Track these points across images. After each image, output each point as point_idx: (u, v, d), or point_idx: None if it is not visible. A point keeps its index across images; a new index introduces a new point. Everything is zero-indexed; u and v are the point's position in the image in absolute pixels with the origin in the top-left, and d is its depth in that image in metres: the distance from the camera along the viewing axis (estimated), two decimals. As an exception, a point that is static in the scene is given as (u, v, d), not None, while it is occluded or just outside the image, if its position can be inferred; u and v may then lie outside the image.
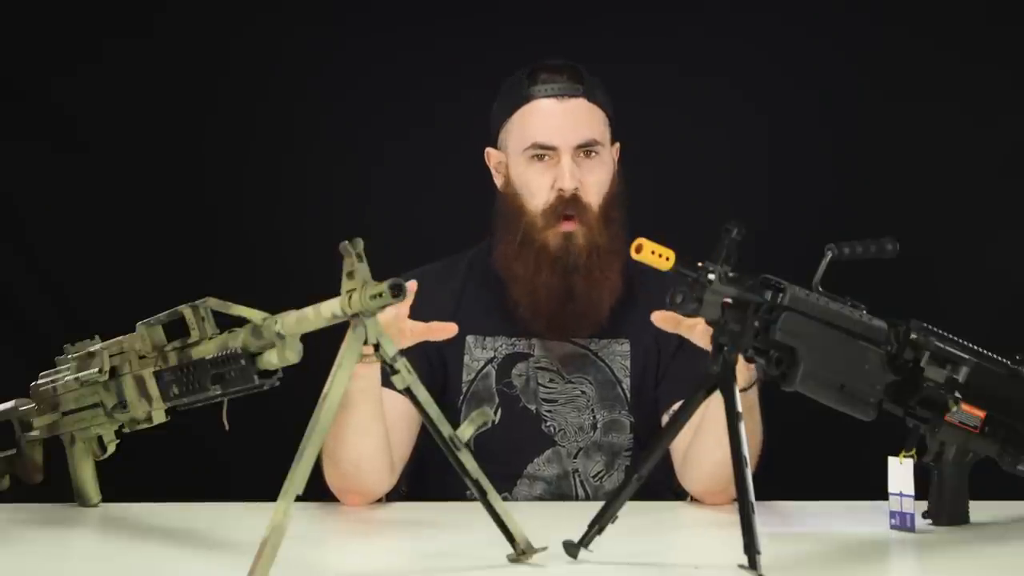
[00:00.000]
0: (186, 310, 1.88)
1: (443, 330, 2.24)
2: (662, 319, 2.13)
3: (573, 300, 2.46)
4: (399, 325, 2.18)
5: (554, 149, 2.44)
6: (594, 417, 2.50)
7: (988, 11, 3.15)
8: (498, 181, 2.54)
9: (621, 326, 2.51)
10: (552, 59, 2.50)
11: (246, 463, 2.84)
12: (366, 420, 2.29)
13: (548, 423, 2.50)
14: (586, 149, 2.45)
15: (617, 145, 2.54)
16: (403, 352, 1.74)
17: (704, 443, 2.30)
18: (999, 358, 2.07)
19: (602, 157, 2.48)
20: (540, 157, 2.46)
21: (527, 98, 2.47)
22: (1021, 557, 1.93)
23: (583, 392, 2.50)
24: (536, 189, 2.46)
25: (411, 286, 2.15)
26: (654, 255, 1.72)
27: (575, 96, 2.46)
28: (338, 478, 2.34)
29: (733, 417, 1.73)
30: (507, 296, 2.49)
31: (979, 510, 2.11)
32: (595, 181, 2.46)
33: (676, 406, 2.37)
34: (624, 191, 2.52)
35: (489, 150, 2.55)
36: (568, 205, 2.44)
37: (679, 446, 2.37)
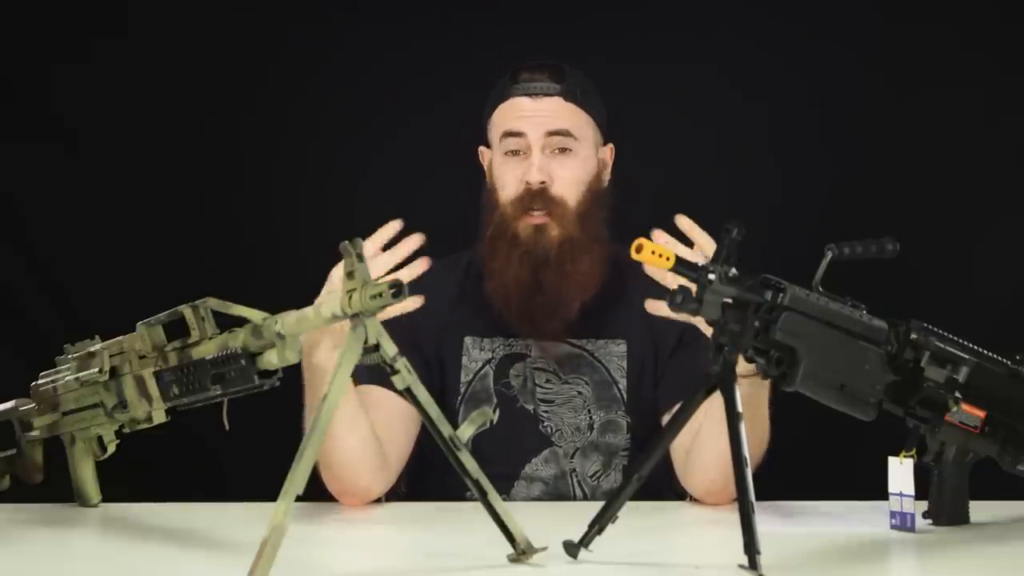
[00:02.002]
0: (186, 310, 1.88)
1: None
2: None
3: (542, 292, 2.46)
4: None
5: (522, 135, 2.45)
6: (591, 417, 2.50)
7: (989, 7, 3.15)
8: (488, 178, 2.55)
9: (618, 326, 2.51)
10: (541, 59, 2.51)
11: (246, 463, 2.84)
12: (354, 421, 2.30)
13: (545, 423, 2.50)
14: (560, 146, 2.46)
15: (610, 147, 2.54)
16: (401, 353, 1.74)
17: (708, 443, 2.30)
18: (999, 358, 2.07)
19: (577, 154, 2.48)
20: (515, 152, 2.47)
21: (506, 96, 2.49)
22: (1021, 557, 1.93)
23: (580, 392, 2.50)
24: (508, 182, 2.48)
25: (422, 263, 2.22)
26: (654, 255, 1.72)
27: (550, 95, 2.47)
28: (334, 480, 2.34)
29: (733, 417, 1.73)
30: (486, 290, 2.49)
31: (979, 510, 2.11)
32: (568, 176, 2.46)
33: (677, 407, 2.36)
34: (610, 192, 2.52)
35: (482, 148, 2.57)
36: (535, 198, 2.45)
37: (680, 447, 2.37)
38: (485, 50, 3.05)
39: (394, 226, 2.24)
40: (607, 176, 2.54)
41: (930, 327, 1.99)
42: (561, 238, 2.45)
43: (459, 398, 2.50)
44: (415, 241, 2.25)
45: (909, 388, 1.97)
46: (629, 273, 2.49)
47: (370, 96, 3.22)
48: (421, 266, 2.25)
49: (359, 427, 2.32)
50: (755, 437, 2.28)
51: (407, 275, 2.23)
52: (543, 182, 2.45)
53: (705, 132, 3.18)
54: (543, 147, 2.45)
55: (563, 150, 2.47)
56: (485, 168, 2.57)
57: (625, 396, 2.50)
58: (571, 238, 2.46)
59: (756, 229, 2.17)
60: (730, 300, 1.78)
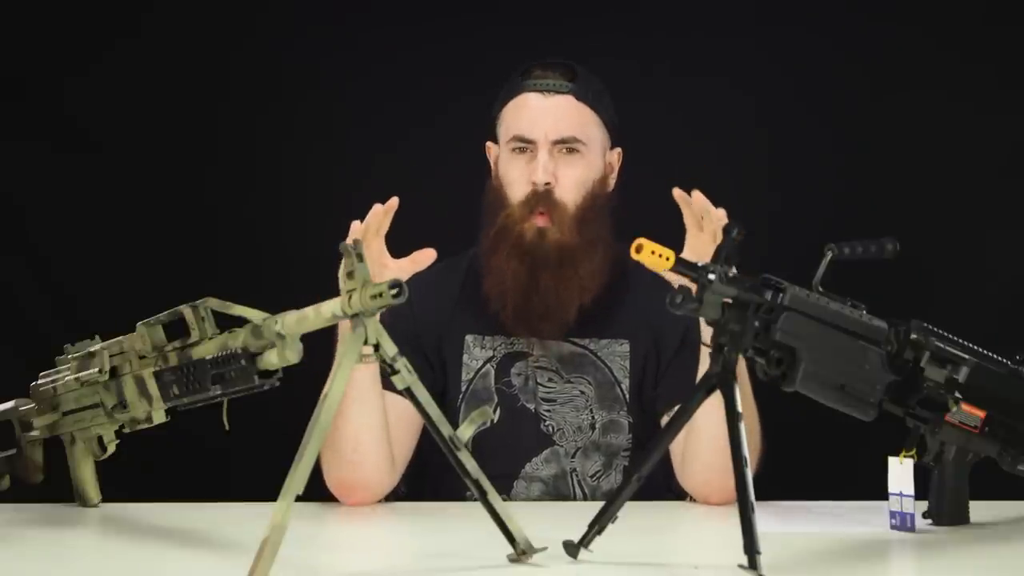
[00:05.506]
0: (186, 310, 1.88)
1: (424, 256, 2.33)
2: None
3: (538, 294, 2.45)
4: (382, 261, 2.30)
5: (532, 142, 2.45)
6: (593, 417, 2.50)
7: (987, 10, 3.16)
8: (493, 173, 2.55)
9: (621, 327, 2.51)
10: (553, 58, 2.51)
11: (246, 463, 2.84)
12: (369, 398, 2.31)
13: (547, 422, 2.50)
14: (567, 146, 2.45)
15: (619, 150, 2.54)
16: (401, 353, 1.74)
17: (702, 438, 2.30)
18: (999, 358, 2.07)
19: (584, 156, 2.47)
20: (522, 150, 2.47)
21: (517, 92, 2.48)
22: (1021, 557, 1.93)
23: (582, 392, 2.50)
24: (515, 180, 2.47)
25: (429, 254, 2.32)
26: (654, 255, 1.72)
27: (561, 92, 2.46)
28: (339, 468, 2.33)
29: (733, 417, 1.73)
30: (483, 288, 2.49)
31: (979, 510, 2.11)
32: (572, 178, 2.46)
33: (677, 407, 2.36)
34: (615, 195, 2.52)
35: (489, 144, 2.57)
36: (540, 200, 2.44)
37: (677, 447, 2.37)
38: (493, 51, 3.04)
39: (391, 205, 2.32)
40: (613, 179, 2.54)
41: (930, 327, 2.00)
42: (559, 243, 2.45)
43: (460, 397, 2.50)
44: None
45: (909, 388, 1.97)
46: (633, 273, 2.49)
47: (375, 96, 3.22)
48: (428, 257, 2.33)
49: (377, 409, 2.33)
50: (753, 436, 2.29)
51: (412, 267, 2.32)
52: (548, 183, 2.44)
53: (705, 133, 3.17)
54: (550, 149, 2.45)
55: (570, 151, 2.46)
56: (492, 163, 2.56)
57: (627, 396, 2.50)
58: (567, 243, 2.45)
59: (756, 229, 2.18)
60: (730, 300, 1.78)
